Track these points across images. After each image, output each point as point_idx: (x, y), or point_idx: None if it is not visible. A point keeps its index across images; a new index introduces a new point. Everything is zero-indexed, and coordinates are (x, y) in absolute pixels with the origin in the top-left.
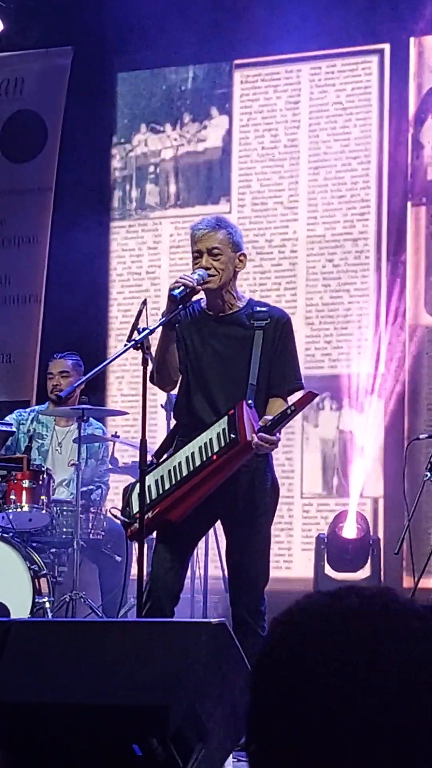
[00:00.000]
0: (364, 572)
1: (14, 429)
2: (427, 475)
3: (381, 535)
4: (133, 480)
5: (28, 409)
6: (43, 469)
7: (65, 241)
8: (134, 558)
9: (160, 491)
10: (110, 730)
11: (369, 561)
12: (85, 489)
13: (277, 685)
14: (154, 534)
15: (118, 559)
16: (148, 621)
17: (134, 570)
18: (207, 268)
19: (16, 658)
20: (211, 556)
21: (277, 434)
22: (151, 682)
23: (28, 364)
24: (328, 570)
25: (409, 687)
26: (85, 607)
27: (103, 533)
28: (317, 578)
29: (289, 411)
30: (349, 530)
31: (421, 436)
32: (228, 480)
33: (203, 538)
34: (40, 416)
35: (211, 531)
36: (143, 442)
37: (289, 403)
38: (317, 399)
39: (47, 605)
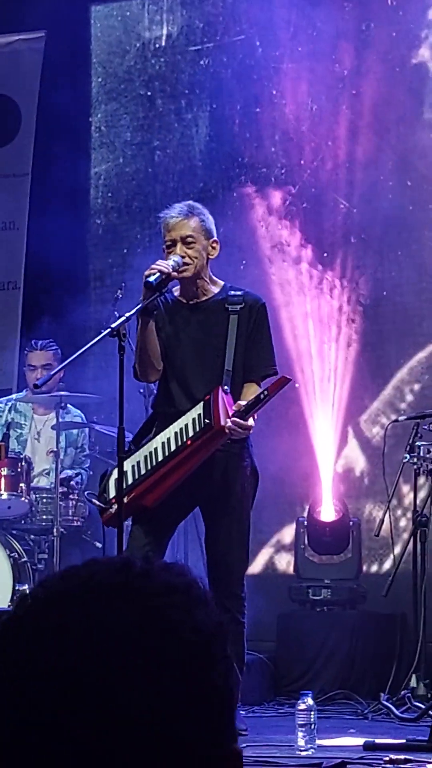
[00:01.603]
0: (347, 554)
1: None
2: (406, 457)
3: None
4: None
5: (4, 399)
6: (21, 457)
7: (43, 227)
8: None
9: (136, 477)
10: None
11: (350, 544)
12: (64, 476)
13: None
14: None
15: (99, 545)
16: None
17: None
18: (182, 257)
19: None
20: (192, 543)
21: (251, 419)
22: None
23: (8, 353)
24: (310, 553)
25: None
26: None
27: (83, 520)
28: (297, 562)
29: (262, 396)
30: (327, 513)
31: (400, 418)
32: (207, 466)
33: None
34: (18, 405)
35: (193, 516)
36: (121, 429)
37: (263, 388)
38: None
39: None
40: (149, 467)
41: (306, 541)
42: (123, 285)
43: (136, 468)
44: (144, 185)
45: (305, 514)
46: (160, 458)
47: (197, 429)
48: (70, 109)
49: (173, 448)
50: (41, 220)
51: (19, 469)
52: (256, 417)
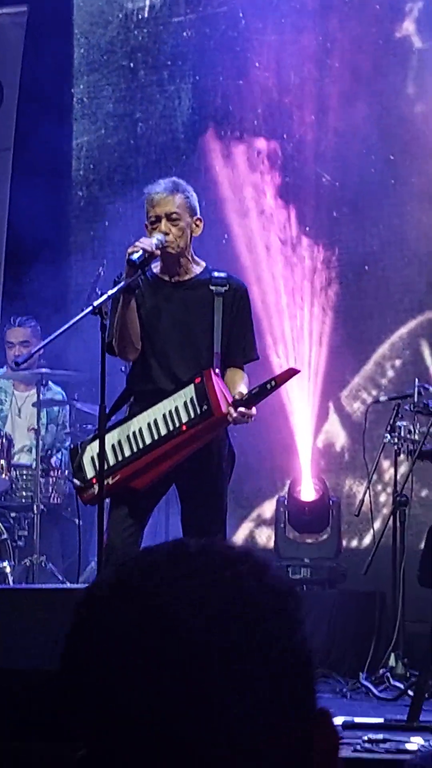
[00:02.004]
0: (326, 533)
1: None
2: (387, 437)
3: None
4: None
5: None
6: (2, 434)
7: (24, 198)
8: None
9: (119, 458)
10: None
11: (330, 523)
12: (44, 454)
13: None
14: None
15: (78, 522)
16: None
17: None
18: (165, 234)
19: None
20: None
21: (253, 408)
22: None
23: None
24: (290, 532)
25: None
26: (46, 572)
27: (62, 497)
28: (277, 541)
29: (269, 386)
30: (307, 492)
31: (381, 398)
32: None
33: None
34: None
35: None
36: (102, 407)
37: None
38: None
39: (7, 569)
40: (135, 449)
41: (286, 520)
42: (104, 262)
43: (117, 448)
44: (126, 157)
45: (285, 493)
46: (147, 441)
47: (192, 415)
48: (52, 80)
49: (163, 432)
50: (22, 191)
51: None
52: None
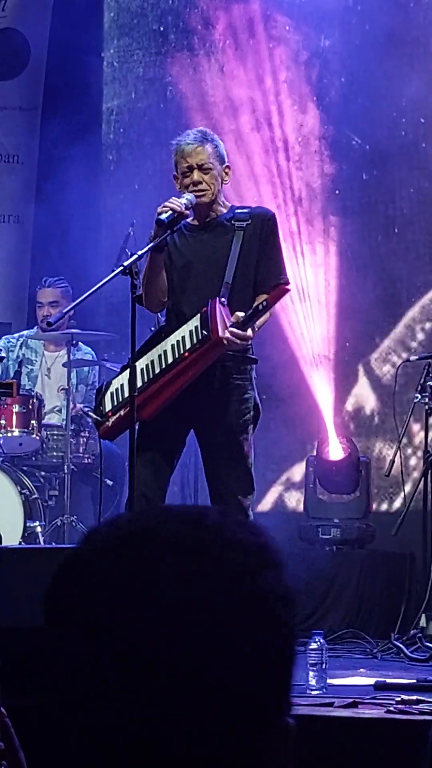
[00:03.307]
0: (356, 494)
1: (3, 355)
2: (417, 397)
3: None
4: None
5: (16, 335)
6: (33, 393)
7: (55, 162)
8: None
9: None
10: None
11: (359, 483)
12: (75, 414)
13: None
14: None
15: (110, 483)
16: None
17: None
18: (198, 183)
19: (8, 584)
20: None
21: (250, 330)
22: None
23: (19, 287)
24: (320, 492)
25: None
26: (76, 531)
27: (93, 457)
28: (307, 501)
29: (260, 306)
30: (335, 452)
31: (411, 358)
32: (206, 393)
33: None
34: (29, 341)
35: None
36: (132, 366)
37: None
38: None
39: (38, 529)
40: (146, 380)
41: (315, 480)
42: (133, 222)
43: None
44: (156, 121)
45: (314, 453)
46: (157, 371)
47: (194, 341)
48: (83, 44)
49: (170, 360)
50: (52, 154)
51: (30, 406)
52: (257, 329)
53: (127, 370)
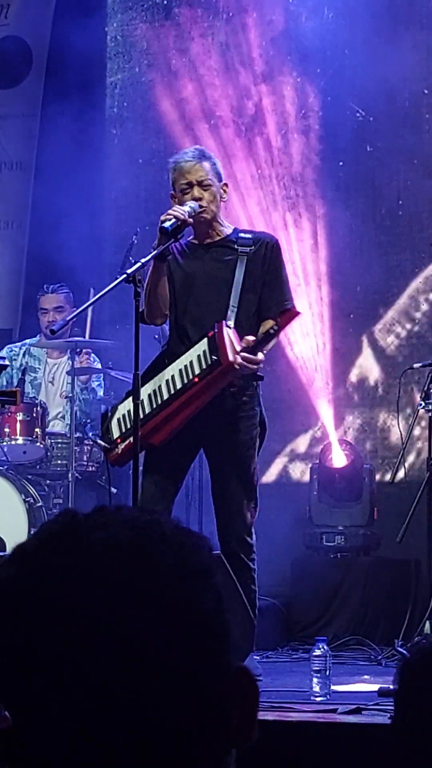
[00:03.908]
0: (359, 501)
1: (6, 363)
2: (421, 404)
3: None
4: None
5: (18, 343)
6: (36, 401)
7: (55, 168)
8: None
9: (140, 415)
10: None
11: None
12: (79, 421)
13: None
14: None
15: (114, 491)
16: None
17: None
18: (199, 199)
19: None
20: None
21: (261, 354)
22: None
23: (13, 293)
24: (323, 499)
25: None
26: None
27: (97, 465)
28: (311, 508)
29: (272, 330)
30: (338, 459)
31: (415, 365)
32: (215, 412)
33: (198, 479)
34: (32, 349)
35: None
36: (136, 375)
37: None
38: None
39: None
40: (154, 406)
41: (319, 488)
42: (137, 230)
43: (140, 406)
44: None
45: (317, 461)
46: (165, 396)
47: (204, 366)
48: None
49: (179, 386)
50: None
51: (34, 414)
52: (265, 352)
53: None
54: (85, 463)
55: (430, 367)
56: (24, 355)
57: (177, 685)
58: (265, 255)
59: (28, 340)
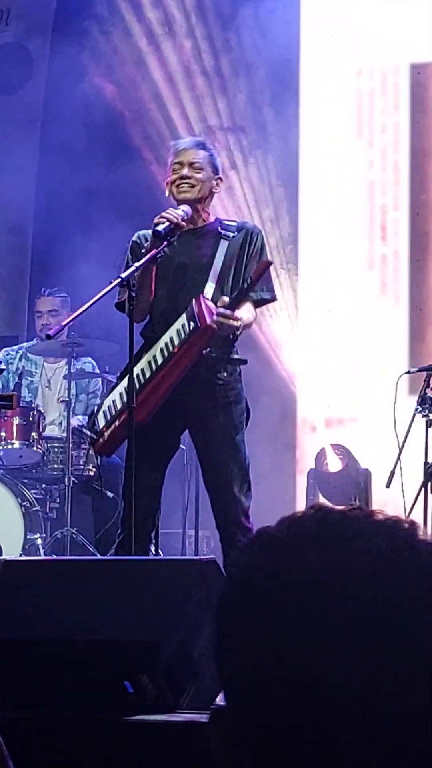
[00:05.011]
0: (355, 505)
1: (3, 368)
2: (417, 408)
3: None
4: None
5: (15, 347)
6: (33, 406)
7: (53, 173)
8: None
9: (125, 399)
10: (101, 666)
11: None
12: (76, 423)
13: (243, 630)
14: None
15: (110, 495)
16: (138, 558)
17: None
18: (187, 177)
19: (8, 596)
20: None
21: (238, 312)
22: (141, 619)
23: (18, 300)
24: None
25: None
26: (77, 544)
27: (95, 469)
28: None
29: (245, 285)
30: (333, 464)
31: (411, 370)
32: (201, 396)
33: (192, 482)
34: (28, 354)
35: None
36: (131, 377)
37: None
38: None
39: (39, 542)
40: (137, 388)
41: (316, 492)
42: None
43: (124, 393)
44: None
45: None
46: (147, 376)
47: (183, 336)
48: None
49: (160, 361)
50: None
51: (31, 419)
52: (243, 321)
53: (119, 386)
54: (82, 467)
55: (425, 371)
56: (21, 358)
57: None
58: (251, 243)
59: (24, 344)
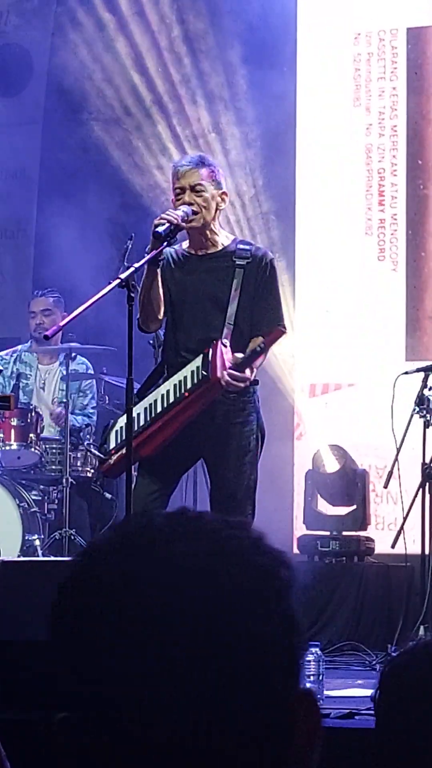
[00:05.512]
0: (353, 506)
1: (0, 369)
2: (415, 409)
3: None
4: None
5: (8, 351)
6: (31, 407)
7: (55, 176)
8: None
9: (135, 428)
10: None
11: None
12: (73, 426)
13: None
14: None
15: (108, 496)
16: None
17: None
18: (190, 204)
19: (6, 597)
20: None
21: (248, 371)
22: None
23: (21, 302)
24: (318, 505)
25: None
26: (75, 545)
27: (92, 470)
28: (306, 514)
29: (258, 348)
30: (330, 464)
31: (408, 371)
32: (210, 419)
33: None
34: (23, 356)
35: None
36: (129, 380)
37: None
38: None
39: (37, 543)
40: (148, 419)
41: (314, 493)
42: (132, 235)
43: (136, 419)
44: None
45: (311, 466)
46: (158, 410)
47: (195, 381)
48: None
49: (171, 399)
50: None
51: (29, 420)
52: (255, 369)
53: (138, 405)
54: (80, 469)
55: (423, 372)
56: (15, 362)
57: (241, 710)
58: (261, 271)
59: (19, 347)
